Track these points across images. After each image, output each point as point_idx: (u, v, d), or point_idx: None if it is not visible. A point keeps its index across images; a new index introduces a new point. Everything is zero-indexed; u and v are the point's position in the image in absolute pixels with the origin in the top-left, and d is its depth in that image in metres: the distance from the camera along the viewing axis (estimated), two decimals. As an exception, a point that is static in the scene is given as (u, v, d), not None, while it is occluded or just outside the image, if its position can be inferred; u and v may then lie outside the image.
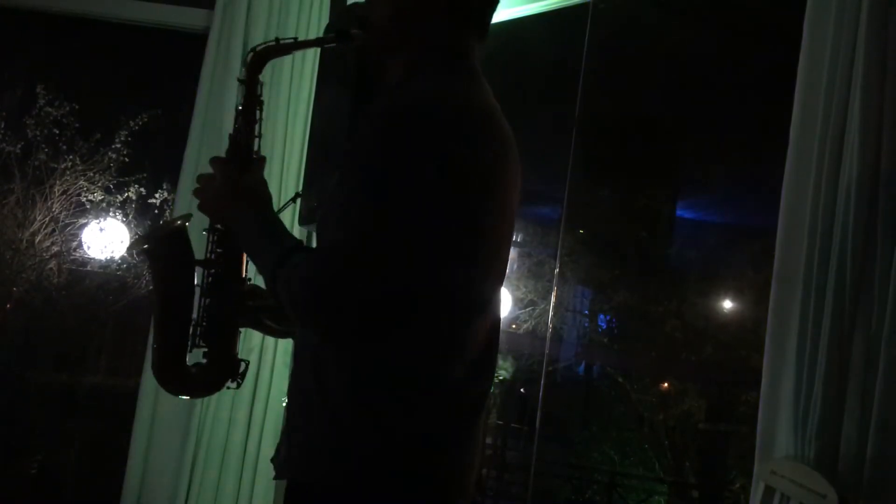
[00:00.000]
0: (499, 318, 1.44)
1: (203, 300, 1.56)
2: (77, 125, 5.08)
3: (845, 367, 1.82)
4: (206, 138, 3.29)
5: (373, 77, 1.59)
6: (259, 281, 1.48)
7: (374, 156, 1.25)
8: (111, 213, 5.15)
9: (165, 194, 5.19)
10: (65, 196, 5.00)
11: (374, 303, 1.23)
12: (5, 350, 4.86)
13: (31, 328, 4.86)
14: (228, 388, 1.59)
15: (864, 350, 1.81)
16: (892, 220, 1.81)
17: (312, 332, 1.31)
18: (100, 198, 5.14)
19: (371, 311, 1.23)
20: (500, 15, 3.17)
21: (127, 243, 5.14)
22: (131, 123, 5.18)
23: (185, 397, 1.67)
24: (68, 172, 5.01)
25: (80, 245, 5.09)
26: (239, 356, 1.60)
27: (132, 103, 5.27)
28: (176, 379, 1.60)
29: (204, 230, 1.56)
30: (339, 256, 1.22)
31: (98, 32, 4.76)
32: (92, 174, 5.10)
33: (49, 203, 4.93)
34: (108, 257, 5.10)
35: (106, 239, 5.07)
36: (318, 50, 3.08)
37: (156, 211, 5.23)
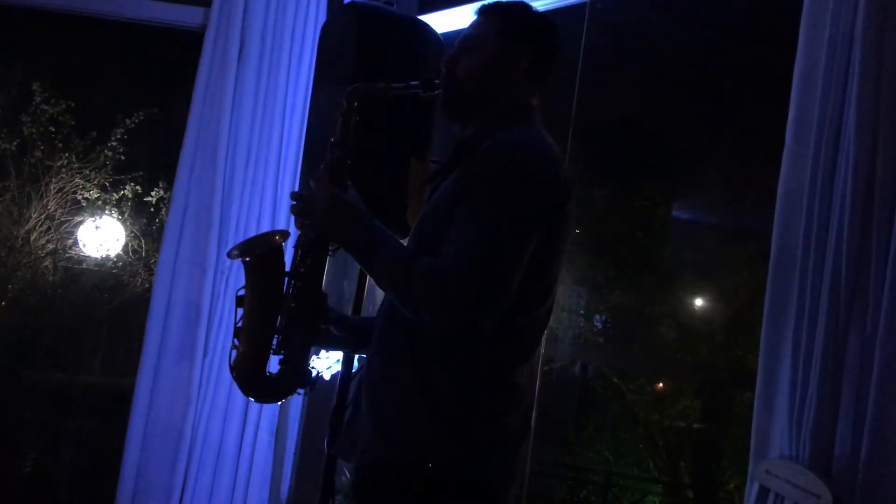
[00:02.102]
0: None
1: (285, 311, 1.70)
2: (73, 123, 5.06)
3: (840, 367, 1.83)
4: (203, 136, 3.29)
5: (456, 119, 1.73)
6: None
7: (495, 187, 1.48)
8: (107, 211, 5.14)
9: (161, 192, 5.18)
10: (60, 194, 4.98)
11: (494, 309, 1.44)
12: (0, 348, 4.84)
13: (26, 326, 4.85)
14: (299, 394, 1.73)
15: (858, 351, 1.81)
16: (887, 221, 1.81)
17: (441, 326, 1.47)
18: (95, 196, 5.13)
19: (490, 315, 1.44)
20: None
21: (122, 241, 5.14)
22: (127, 121, 5.16)
23: (254, 400, 1.81)
24: (64, 170, 4.99)
25: (75, 243, 5.08)
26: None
27: (128, 101, 5.26)
28: (256, 382, 1.73)
29: (294, 246, 1.72)
30: (474, 264, 1.43)
31: (94, 30, 4.74)
32: (88, 172, 5.08)
33: (45, 201, 4.92)
34: (104, 255, 5.09)
35: (101, 237, 5.05)
36: (314, 50, 3.08)
37: (151, 209, 5.23)
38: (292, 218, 1.73)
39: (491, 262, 1.43)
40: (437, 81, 1.68)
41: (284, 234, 1.79)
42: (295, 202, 1.67)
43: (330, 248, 1.70)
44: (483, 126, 1.65)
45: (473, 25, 1.71)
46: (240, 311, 1.73)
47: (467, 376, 1.50)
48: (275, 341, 1.70)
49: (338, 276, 3.24)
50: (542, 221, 1.50)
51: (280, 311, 1.71)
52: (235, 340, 1.72)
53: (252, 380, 1.73)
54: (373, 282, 2.32)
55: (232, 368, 1.73)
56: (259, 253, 1.75)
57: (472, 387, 1.50)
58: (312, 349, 1.76)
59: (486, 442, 1.50)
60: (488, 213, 1.46)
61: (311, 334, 1.72)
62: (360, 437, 1.56)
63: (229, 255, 1.79)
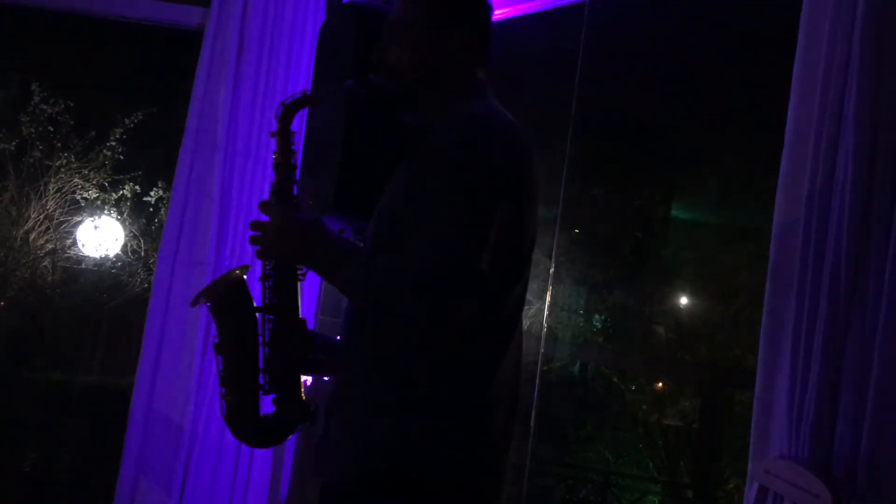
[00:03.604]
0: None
1: (266, 347, 1.61)
2: (72, 122, 5.07)
3: (839, 367, 1.83)
4: (202, 136, 3.29)
5: (400, 107, 1.69)
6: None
7: (459, 171, 1.40)
8: (106, 211, 5.14)
9: (160, 192, 5.18)
10: (59, 194, 4.99)
11: (465, 291, 1.36)
12: (-1, 348, 4.84)
13: (25, 326, 4.85)
14: (300, 430, 1.65)
15: (858, 350, 1.81)
16: (886, 220, 1.81)
17: (410, 321, 1.39)
18: (94, 195, 5.13)
19: (461, 298, 1.36)
20: (496, 14, 3.17)
21: (121, 241, 5.14)
22: (126, 121, 5.17)
23: (253, 447, 1.72)
24: (63, 170, 5.00)
25: (74, 243, 5.08)
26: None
27: (127, 101, 5.26)
28: (252, 429, 1.64)
29: (260, 278, 1.63)
30: (445, 251, 1.36)
31: (93, 30, 4.74)
32: (87, 172, 5.09)
33: (43, 201, 4.92)
34: (103, 255, 5.09)
35: (100, 237, 5.05)
36: (315, 49, 3.08)
37: (150, 209, 5.23)
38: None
39: (453, 244, 1.36)
40: (371, 76, 1.63)
41: (244, 268, 1.71)
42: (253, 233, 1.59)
43: (299, 271, 1.63)
44: (431, 107, 1.59)
45: (397, 9, 1.65)
46: (220, 359, 1.64)
47: (445, 370, 1.42)
48: (262, 380, 1.61)
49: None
50: (504, 193, 1.43)
51: (258, 348, 1.62)
52: (223, 389, 1.63)
53: (248, 427, 1.64)
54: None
55: (226, 419, 1.64)
56: (220, 292, 1.66)
57: (452, 382, 1.42)
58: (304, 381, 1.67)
59: (470, 441, 1.42)
60: (445, 192, 1.39)
61: (299, 366, 1.64)
62: (336, 450, 1.49)
63: (193, 303, 1.71)
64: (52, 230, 4.97)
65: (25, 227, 4.85)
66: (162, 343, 3.23)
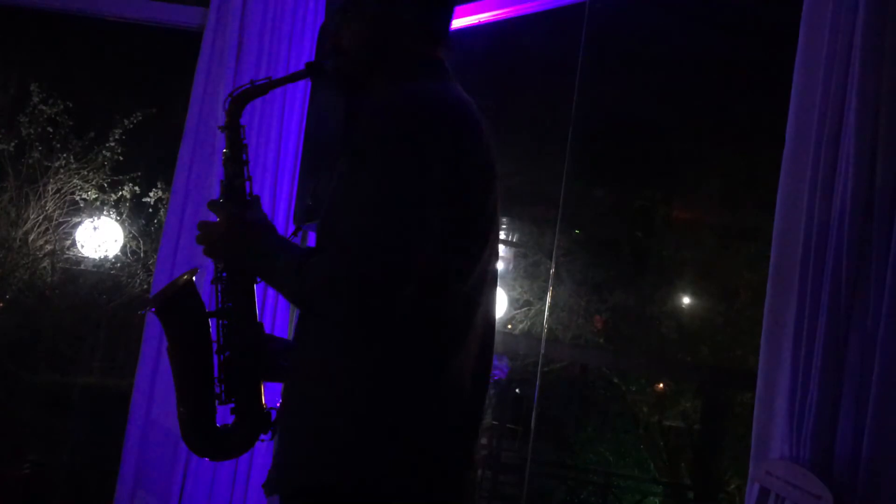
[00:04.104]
0: (494, 316, 1.47)
1: (222, 354, 1.51)
2: (71, 123, 5.07)
3: (841, 368, 1.82)
4: (201, 136, 3.28)
5: (355, 91, 1.58)
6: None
7: (383, 154, 1.28)
8: (105, 212, 5.14)
9: (160, 193, 5.18)
10: (58, 195, 4.99)
11: (399, 286, 1.25)
12: (-2, 349, 4.84)
13: (25, 327, 4.85)
14: (262, 440, 1.53)
15: (859, 351, 1.80)
16: (887, 220, 1.80)
17: (339, 320, 1.31)
18: (94, 196, 5.13)
19: (396, 293, 1.26)
20: (496, 15, 3.17)
21: (120, 241, 5.14)
22: (125, 122, 5.16)
23: (211, 460, 1.59)
24: (62, 171, 5.00)
25: (73, 244, 5.08)
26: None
27: (127, 101, 5.26)
28: (208, 441, 1.52)
29: (212, 281, 1.53)
30: (369, 246, 1.24)
31: (93, 30, 4.74)
32: (86, 173, 5.09)
33: (42, 202, 4.92)
34: (102, 256, 5.09)
35: (100, 238, 5.05)
36: (313, 50, 3.08)
37: (150, 210, 5.23)
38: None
39: (380, 237, 1.24)
40: (325, 62, 1.53)
41: (193, 271, 1.60)
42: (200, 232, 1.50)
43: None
44: (382, 89, 1.47)
45: None
46: (172, 367, 1.53)
47: (385, 371, 1.31)
48: (218, 389, 1.50)
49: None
50: (446, 176, 1.29)
51: (212, 355, 1.51)
52: (175, 401, 1.51)
53: (204, 439, 1.51)
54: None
55: (181, 432, 1.52)
56: (166, 297, 1.55)
57: (396, 386, 1.31)
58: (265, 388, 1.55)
59: (418, 445, 1.31)
60: (372, 178, 1.27)
61: (257, 373, 1.53)
62: (287, 459, 1.38)
63: (141, 311, 1.64)
64: (51, 231, 4.97)
65: (24, 228, 4.85)
66: (161, 345, 3.22)
